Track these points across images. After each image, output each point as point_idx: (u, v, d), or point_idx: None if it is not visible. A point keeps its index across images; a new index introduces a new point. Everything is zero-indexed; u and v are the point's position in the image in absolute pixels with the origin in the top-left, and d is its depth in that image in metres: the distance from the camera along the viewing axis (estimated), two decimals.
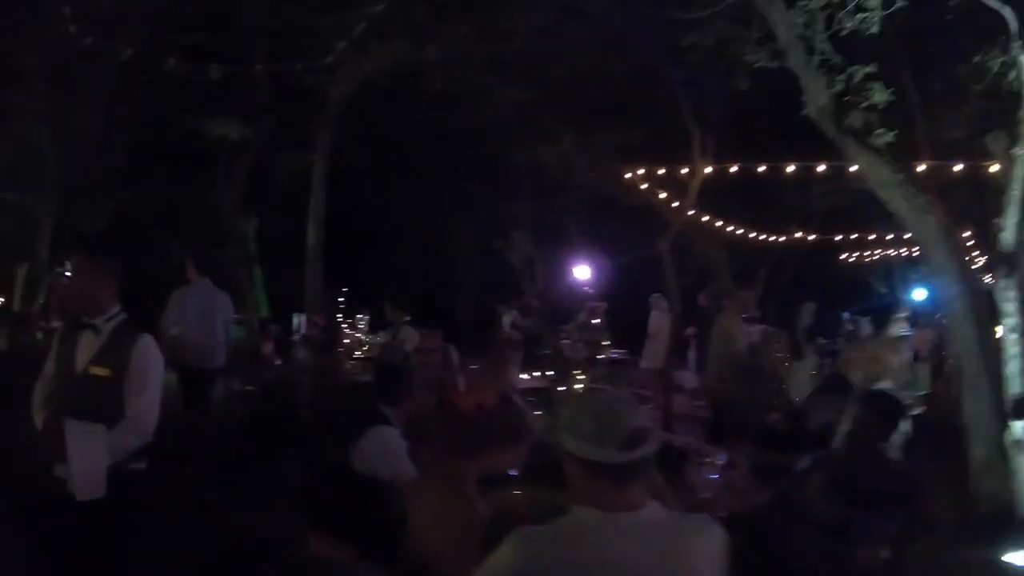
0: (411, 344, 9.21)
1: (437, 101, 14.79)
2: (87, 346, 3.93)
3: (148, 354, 3.97)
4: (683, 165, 11.61)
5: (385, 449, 4.34)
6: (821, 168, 11.95)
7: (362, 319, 10.10)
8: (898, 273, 23.21)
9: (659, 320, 14.23)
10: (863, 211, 17.35)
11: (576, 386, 10.17)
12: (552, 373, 12.99)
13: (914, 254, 17.99)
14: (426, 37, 11.02)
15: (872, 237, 18.59)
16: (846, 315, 17.08)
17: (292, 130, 14.87)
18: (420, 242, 20.40)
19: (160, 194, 15.77)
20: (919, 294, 22.85)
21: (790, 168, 10.72)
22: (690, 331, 14.87)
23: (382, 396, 4.62)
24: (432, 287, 20.20)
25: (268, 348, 12.46)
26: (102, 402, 3.83)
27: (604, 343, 15.17)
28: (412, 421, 4.54)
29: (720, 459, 5.45)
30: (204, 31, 12.96)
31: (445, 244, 21.48)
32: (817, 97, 6.04)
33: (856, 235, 18.60)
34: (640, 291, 17.38)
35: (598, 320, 15.29)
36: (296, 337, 12.97)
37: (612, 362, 15.51)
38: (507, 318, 14.82)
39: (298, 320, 13.31)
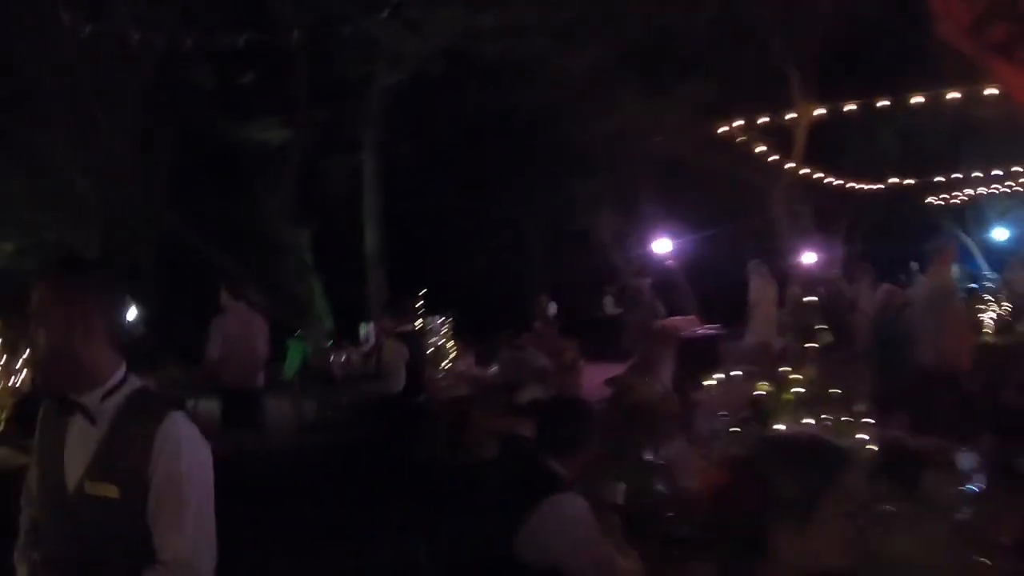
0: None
1: (492, 79, 13.59)
2: (80, 443, 2.21)
3: (183, 448, 2.20)
4: (784, 111, 10.17)
5: (571, 530, 3.02)
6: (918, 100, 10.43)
7: (443, 322, 8.78)
8: (970, 213, 21.61)
9: (761, 287, 12.85)
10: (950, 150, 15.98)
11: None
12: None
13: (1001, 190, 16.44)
14: (480, 2, 9.79)
15: (957, 176, 16.90)
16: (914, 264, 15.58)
17: (338, 129, 13.81)
18: (483, 233, 19.19)
19: (208, 214, 14.84)
20: (1000, 233, 21.24)
21: (916, 99, 9.21)
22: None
23: (552, 445, 3.20)
24: (499, 279, 18.98)
25: (341, 362, 11.30)
26: (112, 541, 2.17)
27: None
28: (586, 471, 3.27)
29: (968, 461, 4.13)
30: (231, 33, 11.87)
31: (511, 232, 20.21)
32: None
33: (942, 176, 16.94)
34: (720, 261, 16.07)
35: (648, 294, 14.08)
36: (365, 348, 11.83)
37: (708, 339, 14.14)
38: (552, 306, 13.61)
39: (365, 329, 12.21)
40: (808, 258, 13.55)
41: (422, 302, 9.47)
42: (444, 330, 8.85)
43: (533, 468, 3.14)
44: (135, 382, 2.25)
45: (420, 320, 9.06)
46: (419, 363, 7.06)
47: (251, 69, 12.48)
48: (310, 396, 10.59)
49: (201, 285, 9.68)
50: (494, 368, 8.06)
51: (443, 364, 8.64)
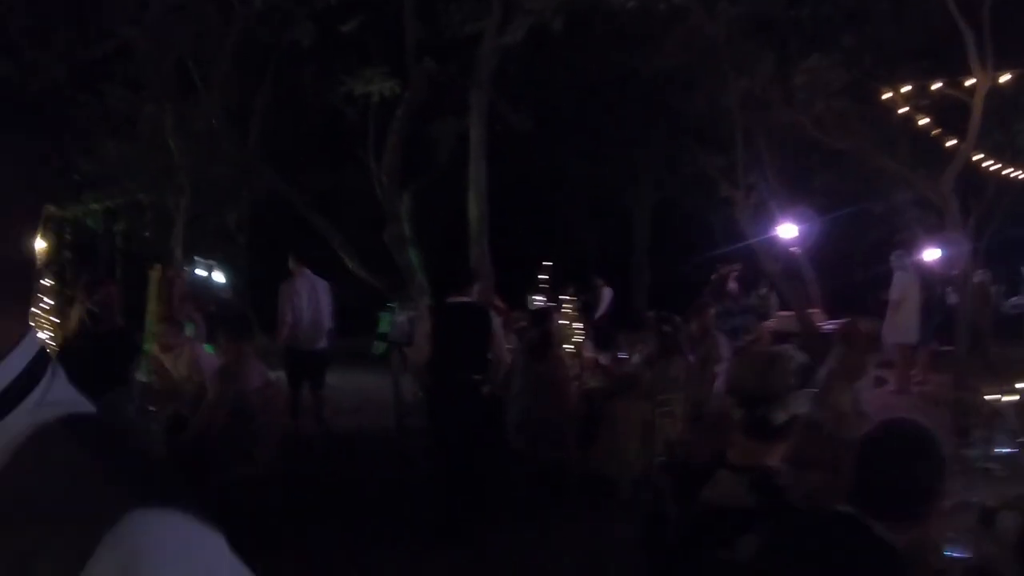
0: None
1: (615, 40, 12.51)
2: None
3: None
4: (955, 78, 8.82)
5: None
6: None
7: (569, 300, 7.76)
8: None
9: (904, 284, 11.54)
10: None
11: None
12: None
13: None
14: None
15: None
16: None
17: (445, 91, 12.88)
18: (593, 207, 18.11)
19: (307, 178, 14.21)
20: None
21: None
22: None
23: (880, 503, 2.05)
24: (608, 254, 17.89)
25: None
26: None
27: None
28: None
29: None
30: None
31: (622, 209, 19.07)
32: None
33: None
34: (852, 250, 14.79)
35: (734, 285, 12.90)
36: None
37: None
38: None
39: None
40: (942, 251, 12.20)
41: (547, 277, 8.49)
42: (566, 309, 7.81)
43: (854, 537, 2.04)
44: (57, 396, 0.81)
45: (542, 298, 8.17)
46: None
47: (353, 19, 11.63)
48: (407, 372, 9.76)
49: (297, 252, 9.05)
50: (635, 357, 7.06)
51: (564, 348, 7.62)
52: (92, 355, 5.53)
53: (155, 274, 9.94)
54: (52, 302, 10.27)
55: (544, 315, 7.06)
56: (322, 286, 9.08)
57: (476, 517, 6.13)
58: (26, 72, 13.94)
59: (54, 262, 14.19)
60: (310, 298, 8.87)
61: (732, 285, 12.67)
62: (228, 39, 12.78)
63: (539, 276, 8.42)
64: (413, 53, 11.77)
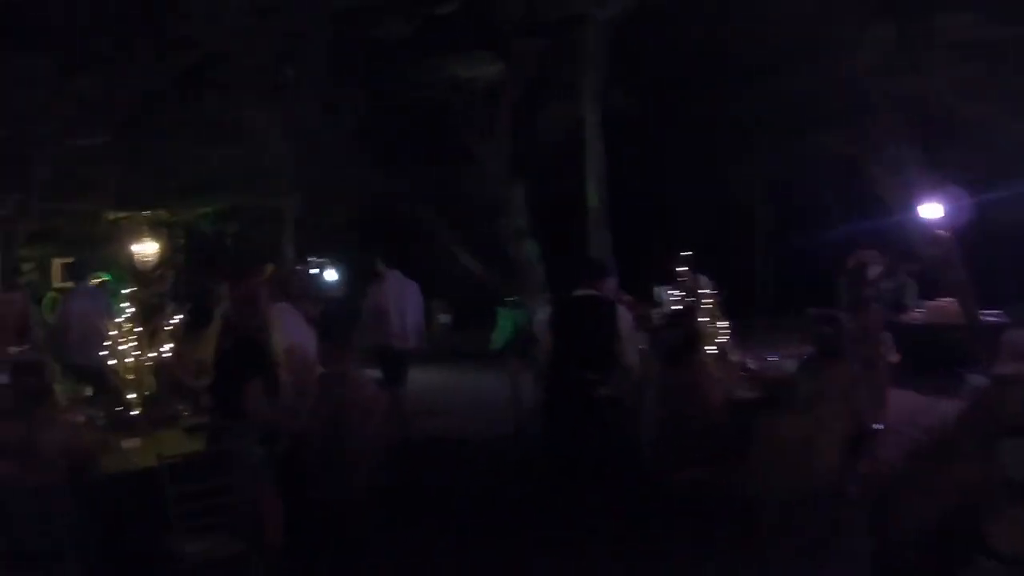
0: None
1: (730, 8, 11.58)
2: None
3: None
4: None
5: None
6: None
7: (710, 294, 6.81)
8: None
9: None
10: None
11: None
12: None
13: None
14: None
15: None
16: None
17: (555, 73, 12.17)
18: (708, 191, 17.08)
19: (414, 173, 13.73)
20: None
21: None
22: None
23: None
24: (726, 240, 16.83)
25: None
26: None
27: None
28: None
29: None
30: None
31: (740, 196, 17.99)
32: None
33: None
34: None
35: (878, 271, 11.70)
36: None
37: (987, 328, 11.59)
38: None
39: None
40: None
41: (685, 268, 7.69)
42: (707, 304, 6.95)
43: None
44: None
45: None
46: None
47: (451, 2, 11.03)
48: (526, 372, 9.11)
49: (407, 249, 8.67)
50: (787, 362, 6.23)
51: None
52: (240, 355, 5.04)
53: (268, 271, 9.61)
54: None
55: (686, 313, 6.32)
56: (411, 288, 9.44)
57: (596, 539, 5.46)
58: (115, 84, 14.13)
59: (167, 265, 14.31)
60: (398, 300, 9.21)
61: (874, 270, 11.55)
62: (321, 35, 12.53)
63: (675, 266, 7.60)
64: (517, 32, 11.04)
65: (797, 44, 12.18)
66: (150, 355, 6.13)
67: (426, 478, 7.27)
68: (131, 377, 5.88)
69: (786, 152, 15.58)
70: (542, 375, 6.20)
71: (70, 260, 15.97)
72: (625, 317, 5.90)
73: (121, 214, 15.69)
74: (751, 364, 6.49)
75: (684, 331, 5.77)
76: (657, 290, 9.21)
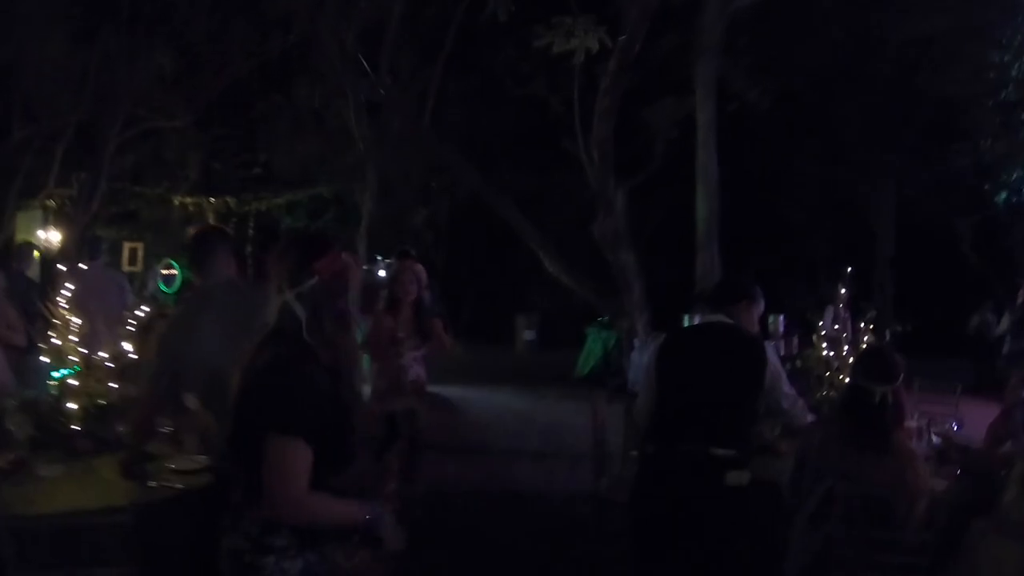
0: None
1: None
2: None
3: None
4: None
5: None
6: None
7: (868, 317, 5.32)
8: None
9: None
10: None
11: None
12: None
13: None
14: None
15: None
16: None
17: (665, 64, 10.86)
18: (827, 208, 15.47)
19: (504, 173, 12.66)
20: None
21: None
22: None
23: None
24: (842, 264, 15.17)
25: None
26: None
27: None
28: None
29: None
30: None
31: (860, 212, 16.30)
32: None
33: None
34: None
35: None
36: None
37: None
38: None
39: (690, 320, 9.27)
40: None
41: (844, 291, 6.14)
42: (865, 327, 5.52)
43: None
44: None
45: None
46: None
47: None
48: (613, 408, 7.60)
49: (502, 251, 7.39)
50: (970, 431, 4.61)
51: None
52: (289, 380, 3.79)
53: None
54: None
55: (882, 357, 3.89)
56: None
57: None
58: (202, 69, 13.67)
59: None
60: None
61: None
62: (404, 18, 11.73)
63: (838, 289, 6.06)
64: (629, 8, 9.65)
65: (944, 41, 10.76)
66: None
67: (465, 531, 5.83)
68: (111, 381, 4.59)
69: (921, 170, 13.98)
70: (641, 439, 3.97)
71: (140, 244, 15.58)
72: (772, 358, 3.90)
73: (191, 199, 15.18)
74: (934, 434, 4.56)
75: (885, 395, 3.72)
76: (773, 320, 7.72)
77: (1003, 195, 12.95)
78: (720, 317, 3.98)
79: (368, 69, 12.14)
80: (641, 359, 6.82)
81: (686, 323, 8.72)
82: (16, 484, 3.78)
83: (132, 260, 15.25)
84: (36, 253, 9.89)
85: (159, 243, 15.19)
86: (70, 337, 4.68)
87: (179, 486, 3.67)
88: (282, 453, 2.24)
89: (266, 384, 2.32)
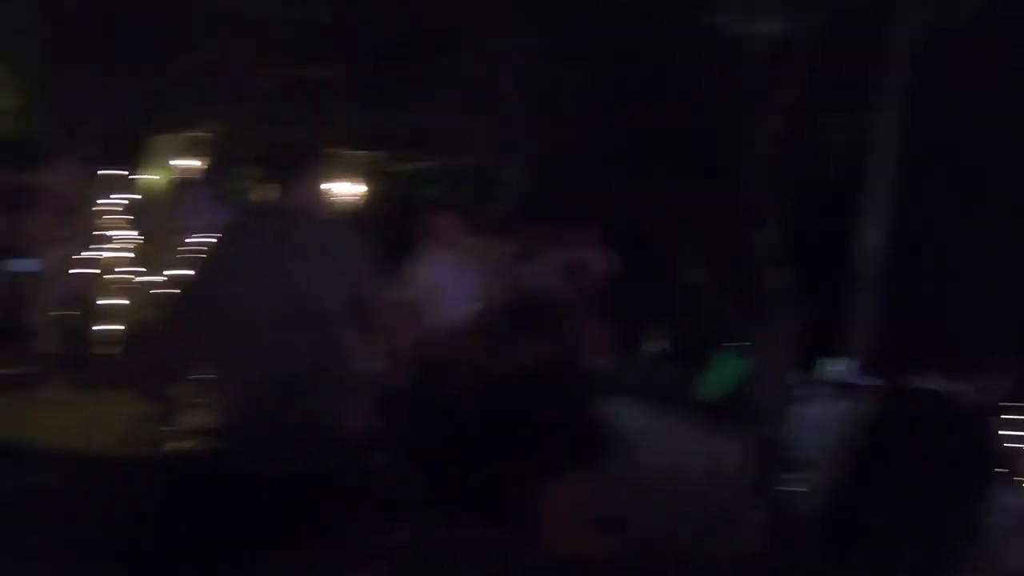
0: None
1: None
2: None
3: None
4: None
5: None
6: None
7: None
8: None
9: None
10: None
11: None
12: None
13: None
14: None
15: None
16: None
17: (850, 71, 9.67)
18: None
19: (654, 169, 11.80)
20: None
21: None
22: None
23: None
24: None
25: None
26: None
27: None
28: None
29: None
30: None
31: None
32: None
33: None
34: None
35: None
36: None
37: None
38: None
39: (836, 369, 8.20)
40: None
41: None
42: None
43: None
44: None
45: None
46: None
47: None
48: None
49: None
50: None
51: None
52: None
53: None
54: None
55: None
56: None
57: None
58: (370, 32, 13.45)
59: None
60: None
61: None
62: None
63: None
64: None
65: None
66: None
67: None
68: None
69: None
70: (815, 531, 3.14)
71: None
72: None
73: (333, 150, 15.06)
74: None
75: None
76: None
77: None
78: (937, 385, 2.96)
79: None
80: (811, 415, 5.88)
81: (826, 369, 7.75)
82: (15, 398, 3.43)
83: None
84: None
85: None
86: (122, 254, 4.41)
87: (179, 447, 3.20)
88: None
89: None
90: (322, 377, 2.69)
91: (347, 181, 13.25)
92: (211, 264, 3.13)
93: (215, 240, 3.40)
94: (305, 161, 3.23)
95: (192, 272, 3.53)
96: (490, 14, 12.21)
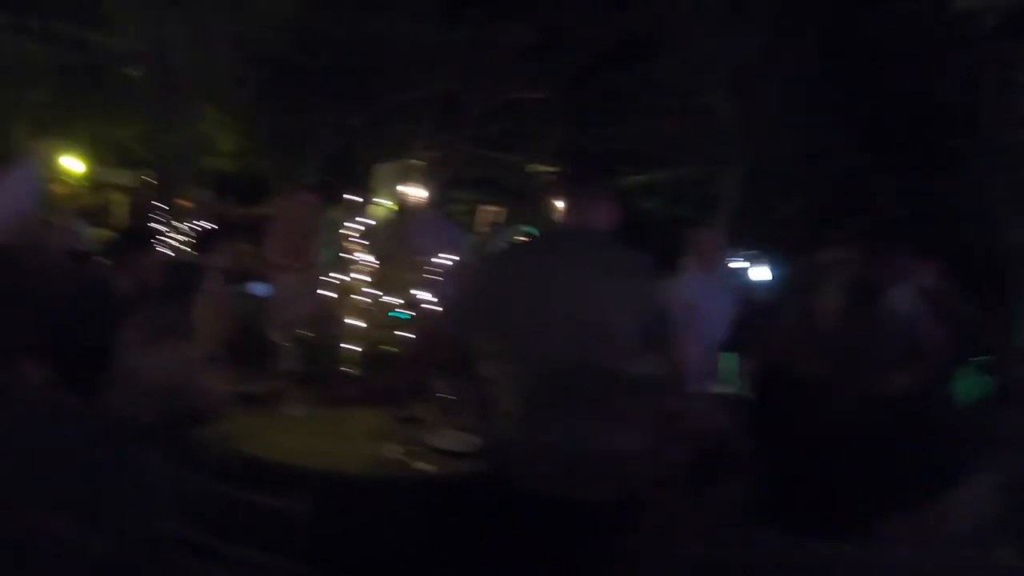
0: None
1: None
2: None
3: None
4: None
5: None
6: None
7: None
8: None
9: None
10: None
11: None
12: None
13: None
14: None
15: None
16: None
17: None
18: None
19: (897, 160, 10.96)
20: None
21: None
22: None
23: None
24: None
25: None
26: None
27: None
28: None
29: None
30: None
31: None
32: None
33: None
34: None
35: None
36: None
37: None
38: None
39: None
40: None
41: None
42: None
43: None
44: None
45: None
46: None
47: None
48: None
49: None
50: None
51: None
52: None
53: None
54: None
55: None
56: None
57: None
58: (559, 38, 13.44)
59: None
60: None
61: None
62: None
63: None
64: None
65: None
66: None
67: None
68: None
69: None
70: None
71: (497, 208, 15.95)
72: None
73: (544, 168, 15.20)
74: None
75: None
76: None
77: None
78: None
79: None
80: None
81: None
82: (254, 415, 3.51)
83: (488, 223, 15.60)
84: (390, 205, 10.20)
85: (516, 211, 15.41)
86: (360, 277, 4.50)
87: (427, 468, 3.14)
88: None
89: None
90: (615, 399, 2.59)
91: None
92: (494, 281, 3.01)
93: (497, 259, 3.41)
94: (598, 178, 3.11)
95: (456, 291, 3.52)
96: (695, 16, 11.81)
